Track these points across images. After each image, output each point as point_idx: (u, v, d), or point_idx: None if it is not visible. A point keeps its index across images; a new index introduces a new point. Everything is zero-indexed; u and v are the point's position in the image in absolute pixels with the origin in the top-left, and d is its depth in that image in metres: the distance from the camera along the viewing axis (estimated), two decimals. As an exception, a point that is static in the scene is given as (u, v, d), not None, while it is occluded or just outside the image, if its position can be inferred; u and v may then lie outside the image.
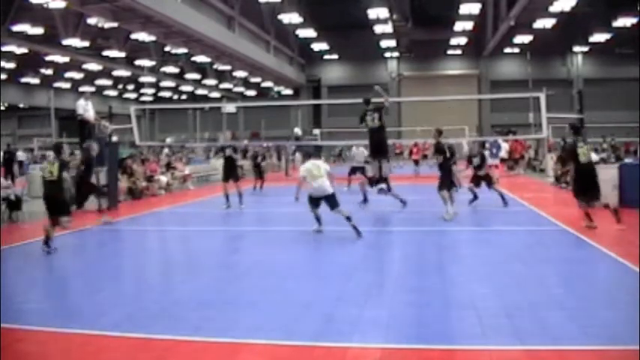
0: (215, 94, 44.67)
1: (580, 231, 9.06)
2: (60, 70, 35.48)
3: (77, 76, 36.34)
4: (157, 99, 48.55)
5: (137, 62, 35.31)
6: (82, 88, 31.91)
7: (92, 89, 35.33)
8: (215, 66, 36.78)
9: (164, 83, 41.67)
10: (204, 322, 4.97)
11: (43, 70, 36.96)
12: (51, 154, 9.13)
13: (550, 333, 4.46)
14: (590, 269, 6.89)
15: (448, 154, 10.87)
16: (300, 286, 6.20)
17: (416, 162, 25.25)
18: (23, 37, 25.21)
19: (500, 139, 23.07)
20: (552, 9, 25.97)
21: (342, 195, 13.65)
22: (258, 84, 43.19)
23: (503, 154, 22.42)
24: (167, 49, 31.75)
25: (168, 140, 36.81)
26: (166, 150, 28.63)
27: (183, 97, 48.58)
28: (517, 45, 36.26)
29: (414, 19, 37.88)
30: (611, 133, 29.93)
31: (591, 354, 4.11)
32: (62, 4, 20.62)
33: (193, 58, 33.87)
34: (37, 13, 23.01)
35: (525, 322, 4.72)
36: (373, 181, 12.21)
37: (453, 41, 38.22)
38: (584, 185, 9.34)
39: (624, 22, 30.52)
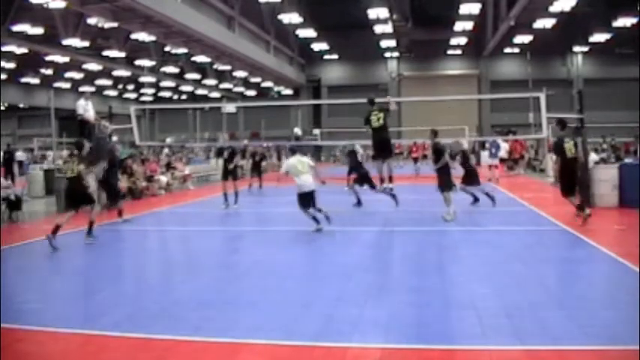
0: (215, 94, 44.66)
1: (580, 231, 9.06)
2: (60, 70, 35.47)
3: (77, 76, 36.34)
4: (157, 99, 48.54)
5: (137, 62, 35.30)
6: (82, 88, 31.91)
7: (92, 89, 35.34)
8: (215, 66, 36.78)
9: (164, 83, 41.66)
10: (204, 322, 4.97)
11: (43, 70, 36.95)
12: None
13: (550, 333, 4.46)
14: (590, 269, 6.89)
15: (447, 155, 10.86)
16: (300, 286, 6.21)
17: (415, 160, 25.30)
18: (23, 37, 25.20)
19: (499, 139, 23.05)
20: (552, 9, 25.96)
21: (341, 195, 13.67)
22: (258, 84, 43.18)
23: (503, 154, 22.41)
24: (167, 49, 31.75)
25: (168, 140, 36.82)
26: (166, 150, 28.63)
27: (183, 97, 48.57)
28: (517, 45, 36.26)
29: (414, 19, 37.87)
30: (611, 133, 29.93)
31: (591, 354, 4.11)
32: (62, 4, 20.60)
33: (193, 58, 33.86)
34: (37, 13, 23.00)
35: (525, 322, 4.72)
36: (360, 181, 12.39)
37: (453, 41, 38.21)
38: (572, 180, 9.72)
39: (624, 22, 30.52)
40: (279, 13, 31.47)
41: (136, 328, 4.83)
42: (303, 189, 9.67)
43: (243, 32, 32.13)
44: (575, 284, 5.99)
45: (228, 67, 36.32)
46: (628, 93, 38.47)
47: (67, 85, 39.50)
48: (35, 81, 38.47)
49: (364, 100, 12.08)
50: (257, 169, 18.84)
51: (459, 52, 42.12)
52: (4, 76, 35.73)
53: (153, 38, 26.83)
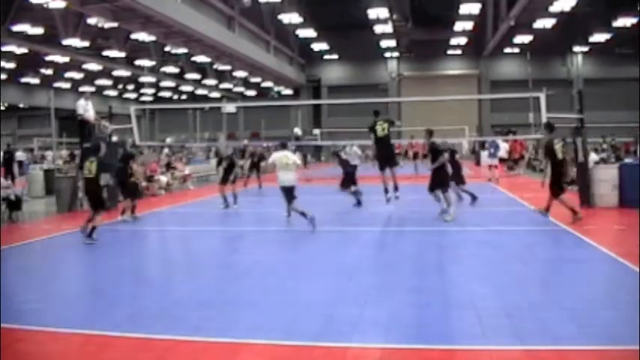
0: (215, 94, 44.66)
1: (580, 231, 9.07)
2: (60, 70, 35.47)
3: (77, 76, 36.34)
4: (157, 99, 48.53)
5: (137, 62, 35.30)
6: (82, 88, 31.91)
7: (92, 89, 35.33)
8: (215, 66, 36.78)
9: (164, 83, 41.66)
10: (204, 322, 4.97)
11: (43, 70, 36.94)
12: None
13: (550, 333, 4.46)
14: (590, 269, 6.89)
15: (447, 154, 10.84)
16: (300, 286, 6.20)
17: (415, 156, 25.35)
18: (23, 37, 25.20)
19: (498, 140, 23.05)
20: (552, 9, 25.97)
21: (340, 195, 13.66)
22: (258, 84, 43.18)
23: (502, 154, 22.39)
24: (167, 49, 31.75)
25: (168, 140, 36.78)
26: (166, 150, 28.62)
27: (183, 97, 48.56)
28: (517, 45, 36.26)
29: (414, 19, 37.88)
30: (612, 133, 29.92)
31: (591, 354, 4.10)
32: (62, 4, 20.61)
33: (193, 58, 33.86)
34: (37, 13, 23.00)
35: (525, 322, 4.72)
36: (346, 183, 12.82)
37: (453, 41, 38.22)
38: (561, 181, 10.00)
39: (624, 22, 30.52)
40: (279, 13, 31.47)
41: (136, 328, 4.83)
42: (283, 183, 10.09)
43: (243, 32, 32.14)
44: (575, 284, 5.98)
45: (228, 67, 36.32)
46: (628, 93, 38.47)
47: (67, 85, 39.50)
48: (35, 81, 38.47)
49: (364, 100, 12.19)
50: (256, 169, 18.85)
51: (459, 52, 42.13)
52: (4, 76, 35.73)
53: (153, 38, 26.83)
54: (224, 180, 13.52)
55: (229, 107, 38.55)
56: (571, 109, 22.43)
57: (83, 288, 6.65)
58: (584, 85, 40.40)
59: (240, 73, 38.37)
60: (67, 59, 29.77)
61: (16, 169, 23.13)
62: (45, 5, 20.76)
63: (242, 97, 45.53)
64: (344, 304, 5.44)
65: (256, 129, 42.95)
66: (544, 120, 13.86)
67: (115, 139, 14.96)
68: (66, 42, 25.27)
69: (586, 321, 4.71)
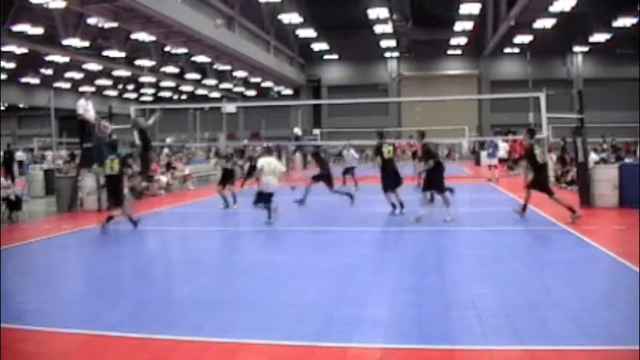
0: (215, 94, 44.67)
1: (580, 231, 9.07)
2: (60, 70, 35.49)
3: (77, 76, 36.35)
4: (157, 99, 48.54)
5: (137, 62, 35.32)
6: (82, 88, 31.93)
7: (92, 89, 35.34)
8: (215, 66, 36.78)
9: (164, 83, 41.67)
10: (204, 322, 4.97)
11: (43, 70, 36.97)
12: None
13: (550, 333, 4.46)
14: (590, 269, 6.89)
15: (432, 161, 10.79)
16: (300, 286, 6.20)
17: (414, 155, 25.43)
18: (23, 37, 25.21)
19: (497, 139, 23.05)
20: (552, 9, 25.99)
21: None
22: (258, 84, 43.19)
23: (502, 154, 22.39)
24: (167, 49, 31.75)
25: (168, 140, 36.78)
26: (166, 150, 28.62)
27: (183, 97, 48.57)
28: (517, 45, 36.29)
29: (414, 19, 37.90)
30: (612, 133, 29.91)
31: (591, 354, 4.10)
32: (62, 4, 20.61)
33: (193, 58, 33.86)
34: (37, 13, 23.01)
35: (525, 322, 4.72)
36: (316, 179, 13.01)
37: (453, 41, 38.24)
38: (541, 182, 10.37)
39: (624, 22, 30.53)
40: (279, 13, 31.49)
41: (135, 328, 4.83)
42: (267, 189, 10.45)
43: (243, 32, 32.14)
44: (575, 284, 5.98)
45: (228, 67, 36.32)
46: (628, 93, 38.51)
47: (67, 85, 39.51)
48: (35, 81, 38.48)
49: (364, 100, 12.31)
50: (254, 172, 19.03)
51: (459, 52, 42.15)
52: (4, 76, 35.74)
53: (153, 38, 26.83)
54: (223, 182, 13.63)
55: (229, 107, 38.57)
56: (571, 109, 22.48)
57: (83, 288, 6.64)
58: (584, 85, 40.44)
59: (240, 73, 38.38)
60: (67, 59, 29.79)
61: (16, 169, 23.16)
62: (45, 5, 20.78)
63: (242, 97, 45.54)
64: (344, 303, 5.44)
65: (256, 129, 42.96)
66: (544, 120, 13.87)
67: (114, 138, 14.96)
68: (66, 42, 25.29)
69: (586, 321, 4.70)
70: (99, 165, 10.95)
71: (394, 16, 33.53)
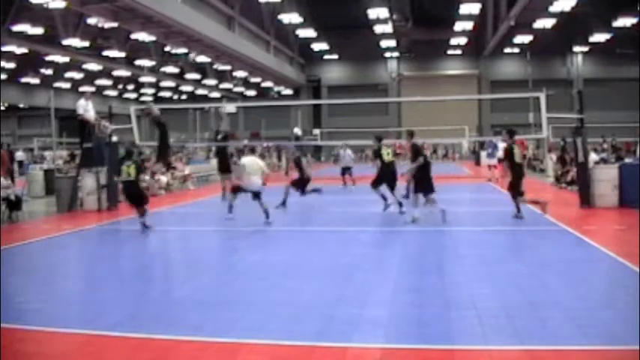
0: (215, 94, 44.68)
1: (580, 231, 9.07)
2: (60, 70, 35.49)
3: (77, 76, 36.36)
4: (157, 99, 48.53)
5: (137, 62, 35.32)
6: (82, 88, 31.93)
7: (92, 89, 35.35)
8: (215, 66, 36.78)
9: (164, 83, 41.67)
10: (204, 322, 4.97)
11: (43, 70, 36.97)
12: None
13: (550, 333, 4.46)
14: (590, 269, 6.89)
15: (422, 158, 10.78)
16: (300, 286, 6.20)
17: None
18: (23, 37, 25.21)
19: (496, 140, 23.03)
20: (552, 9, 25.99)
21: (340, 195, 13.67)
22: (258, 84, 43.20)
23: (501, 154, 22.36)
24: (167, 49, 31.75)
25: (169, 140, 36.75)
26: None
27: (183, 97, 48.57)
28: (517, 45, 36.29)
29: (414, 19, 37.91)
30: (612, 133, 29.91)
31: (591, 354, 4.10)
32: (62, 4, 20.61)
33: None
34: (37, 13, 23.02)
35: (525, 322, 4.71)
36: (299, 184, 13.15)
37: (453, 41, 38.25)
38: (519, 182, 10.49)
39: (624, 22, 30.54)
40: (279, 13, 31.49)
41: (135, 328, 4.83)
42: (251, 188, 10.56)
43: (243, 32, 32.14)
44: (575, 284, 5.98)
45: (228, 67, 36.32)
46: (628, 93, 38.52)
47: (67, 85, 39.52)
48: (35, 81, 38.49)
49: (364, 100, 12.42)
50: None
51: (459, 52, 42.16)
52: (4, 76, 35.74)
53: (153, 38, 26.84)
54: (222, 169, 13.84)
55: (229, 107, 38.54)
56: (571, 109, 22.46)
57: (83, 288, 6.64)
58: (584, 85, 40.45)
59: (240, 73, 38.38)
60: (67, 59, 29.80)
61: (16, 169, 23.15)
62: (45, 5, 20.78)
63: (242, 97, 45.54)
64: (344, 304, 5.44)
65: (256, 129, 42.95)
66: (544, 120, 13.88)
67: (115, 138, 14.96)
68: (66, 42, 25.29)
69: (586, 321, 4.70)
70: (117, 175, 11.16)
71: (394, 16, 33.53)
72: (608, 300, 5.45)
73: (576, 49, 41.84)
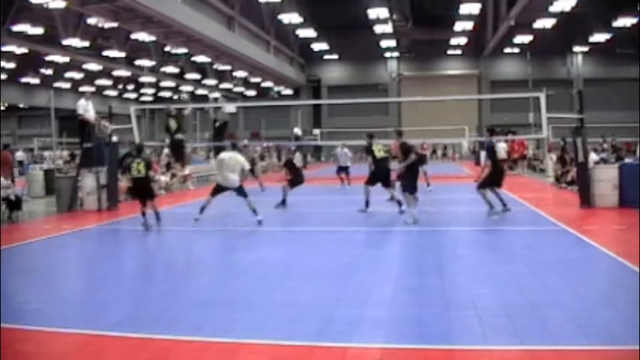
0: (215, 94, 44.66)
1: (580, 231, 9.07)
2: (60, 70, 35.48)
3: (77, 76, 36.35)
4: (157, 99, 48.53)
5: (137, 62, 35.31)
6: (82, 88, 31.91)
7: (92, 89, 35.34)
8: (215, 66, 36.78)
9: (164, 83, 41.66)
10: (204, 322, 4.97)
11: (43, 70, 36.96)
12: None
13: (550, 333, 4.46)
14: (590, 269, 6.89)
15: (414, 155, 10.78)
16: (300, 286, 6.20)
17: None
18: (23, 37, 25.21)
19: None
20: (552, 9, 25.99)
21: (339, 195, 13.67)
22: (258, 84, 43.19)
23: (501, 154, 22.37)
24: (167, 49, 31.75)
25: (169, 140, 36.78)
26: (166, 150, 28.64)
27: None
28: (517, 45, 36.28)
29: (414, 19, 37.91)
30: (613, 133, 29.93)
31: (591, 354, 4.10)
32: (62, 4, 20.61)
33: (193, 58, 33.87)
34: (37, 13, 23.02)
35: (525, 322, 4.71)
36: (295, 184, 13.30)
37: (453, 41, 38.25)
38: (497, 178, 10.87)
39: (624, 22, 30.53)
40: (279, 13, 31.49)
41: (135, 328, 4.83)
42: (227, 185, 10.52)
43: (243, 32, 32.14)
44: (575, 284, 5.98)
45: (228, 67, 36.32)
46: (628, 93, 38.51)
47: (67, 85, 39.51)
48: (35, 81, 38.48)
49: (364, 100, 12.41)
50: (251, 173, 19.45)
51: (459, 52, 42.16)
52: (4, 76, 35.74)
53: (153, 38, 26.83)
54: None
55: (229, 107, 38.51)
56: (571, 109, 22.51)
57: (83, 288, 6.64)
58: (584, 85, 40.45)
59: (240, 73, 38.37)
60: (67, 59, 29.79)
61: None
62: (45, 5, 20.77)
63: (242, 97, 45.52)
64: (344, 304, 5.44)
65: (256, 129, 42.94)
66: (544, 120, 13.89)
67: (115, 138, 14.97)
68: (66, 42, 25.29)
69: (586, 321, 4.70)
70: (127, 171, 11.31)
71: (394, 16, 33.53)
72: (608, 300, 5.45)
73: (576, 49, 41.83)
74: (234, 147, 11.13)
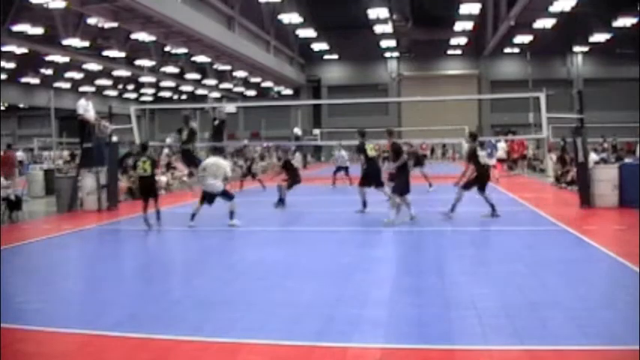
0: (215, 94, 44.66)
1: (580, 231, 9.07)
2: (60, 70, 35.46)
3: (77, 76, 36.33)
4: (157, 99, 48.52)
5: (137, 62, 35.30)
6: (82, 88, 31.92)
7: (92, 89, 35.33)
8: (215, 66, 36.77)
9: (164, 83, 41.65)
10: (204, 322, 4.97)
11: (43, 70, 36.94)
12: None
13: (550, 333, 4.46)
14: (590, 269, 6.90)
15: (405, 156, 10.76)
16: (300, 286, 6.20)
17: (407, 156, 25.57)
18: (23, 37, 25.19)
19: (494, 139, 23.07)
20: (552, 9, 25.97)
21: (338, 195, 13.67)
22: (258, 84, 43.17)
23: (501, 154, 22.41)
24: (167, 49, 31.74)
25: (168, 140, 36.78)
26: (166, 150, 28.63)
27: (183, 97, 48.54)
28: (517, 45, 36.26)
29: (414, 19, 37.90)
30: (613, 133, 29.92)
31: (591, 354, 4.10)
32: (62, 4, 20.60)
33: (193, 58, 33.86)
34: (37, 13, 23.00)
35: (525, 322, 4.72)
36: (290, 185, 13.32)
37: (453, 41, 38.22)
38: (480, 181, 10.85)
39: (624, 22, 30.52)
40: (279, 13, 31.48)
41: (135, 328, 4.83)
42: (210, 190, 10.52)
43: (243, 32, 32.13)
44: (575, 284, 5.99)
45: (228, 67, 36.31)
46: (628, 93, 38.49)
47: (67, 85, 39.50)
48: (35, 81, 38.46)
49: (364, 100, 12.40)
50: (251, 174, 19.63)
51: (459, 52, 42.14)
52: (4, 76, 35.72)
53: (153, 38, 26.82)
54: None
55: (229, 107, 38.51)
56: (571, 109, 22.52)
57: (83, 288, 6.64)
58: (584, 85, 40.43)
59: (240, 73, 38.36)
60: (67, 59, 29.77)
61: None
62: (45, 5, 20.76)
63: (242, 97, 45.52)
64: (344, 304, 5.44)
65: (256, 129, 42.94)
66: (544, 120, 13.90)
67: (115, 138, 14.98)
68: (66, 42, 25.27)
69: (586, 321, 4.70)
70: (133, 168, 11.40)
71: (394, 16, 33.51)
72: (608, 300, 5.45)
73: (576, 49, 41.82)
74: (218, 151, 11.19)
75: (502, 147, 23.28)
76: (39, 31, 24.64)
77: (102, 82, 39.42)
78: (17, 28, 23.85)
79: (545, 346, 4.20)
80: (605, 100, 38.87)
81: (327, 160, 39.95)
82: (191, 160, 15.63)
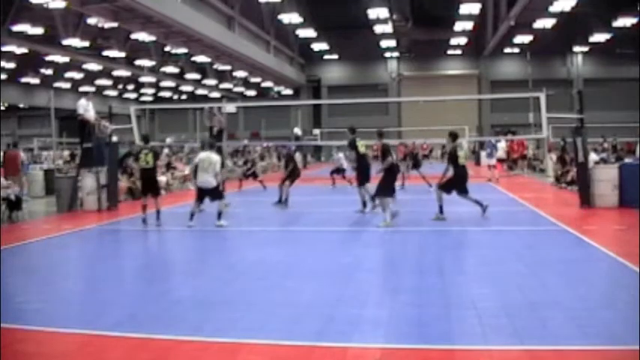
0: (215, 94, 44.65)
1: (580, 231, 9.07)
2: (60, 70, 35.46)
3: (77, 76, 36.32)
4: (157, 99, 48.51)
5: (137, 62, 35.29)
6: (82, 88, 31.88)
7: (92, 89, 35.30)
8: (215, 66, 36.77)
9: (164, 83, 41.64)
10: (204, 322, 4.97)
11: (43, 70, 36.93)
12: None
13: (550, 333, 4.46)
14: (590, 269, 6.90)
15: (394, 157, 10.79)
16: (300, 286, 6.20)
17: (404, 156, 25.59)
18: (23, 37, 25.18)
19: (494, 139, 23.08)
20: (552, 9, 25.97)
21: (338, 195, 13.67)
22: (258, 84, 43.17)
23: (500, 154, 22.42)
24: (167, 49, 31.74)
25: (168, 140, 36.80)
26: (166, 150, 28.63)
27: (183, 97, 48.54)
28: (517, 45, 36.26)
29: (414, 19, 37.89)
30: (613, 133, 29.91)
31: (591, 354, 4.10)
32: (62, 4, 20.60)
33: (193, 58, 33.85)
34: (37, 13, 22.99)
35: (525, 322, 4.72)
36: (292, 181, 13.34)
37: (453, 41, 38.21)
38: (457, 183, 10.79)
39: (624, 22, 30.51)
40: (279, 13, 31.47)
41: (135, 328, 4.83)
42: (202, 185, 10.39)
43: (243, 32, 32.13)
44: (575, 284, 5.99)
45: (228, 67, 36.30)
46: (628, 93, 38.49)
47: (67, 85, 39.48)
48: (35, 81, 38.45)
49: (364, 100, 12.45)
50: (251, 174, 19.68)
51: (459, 52, 42.13)
52: (4, 76, 35.72)
53: (153, 38, 26.82)
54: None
55: (229, 107, 38.51)
56: (571, 109, 22.49)
57: (83, 288, 6.64)
58: (584, 85, 40.42)
59: (240, 73, 38.35)
60: (67, 59, 29.76)
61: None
62: (45, 5, 20.75)
63: (242, 97, 45.51)
64: (344, 304, 5.44)
65: (256, 129, 42.93)
66: (544, 120, 13.89)
67: (115, 138, 14.97)
68: (66, 42, 25.26)
69: (586, 321, 4.71)
70: (135, 160, 11.39)
71: (394, 16, 33.50)
72: (608, 300, 5.45)
73: (576, 49, 41.81)
74: (210, 147, 10.90)
75: (502, 147, 23.27)
76: (39, 31, 24.63)
77: (102, 82, 39.41)
78: (17, 28, 23.84)
79: (545, 346, 4.20)
80: (605, 100, 38.85)
81: (327, 160, 39.97)
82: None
